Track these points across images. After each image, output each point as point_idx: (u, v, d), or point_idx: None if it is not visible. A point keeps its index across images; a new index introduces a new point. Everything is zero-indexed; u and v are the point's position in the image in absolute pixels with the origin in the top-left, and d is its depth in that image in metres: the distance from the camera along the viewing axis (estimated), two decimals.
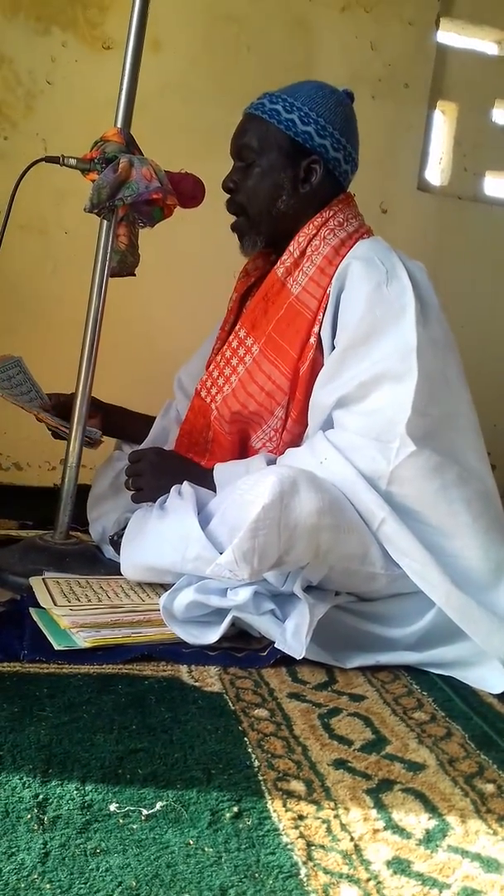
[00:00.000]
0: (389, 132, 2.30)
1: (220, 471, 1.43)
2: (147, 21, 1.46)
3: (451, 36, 2.41)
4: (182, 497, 1.38)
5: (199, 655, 1.21)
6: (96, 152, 1.44)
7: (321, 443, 1.33)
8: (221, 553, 1.21)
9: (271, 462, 1.40)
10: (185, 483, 1.41)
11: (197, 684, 1.12)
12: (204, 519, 1.32)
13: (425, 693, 1.18)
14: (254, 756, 0.94)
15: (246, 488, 1.26)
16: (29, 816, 0.78)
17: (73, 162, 1.44)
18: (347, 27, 2.29)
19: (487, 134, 2.47)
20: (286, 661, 1.21)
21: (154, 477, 1.46)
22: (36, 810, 0.79)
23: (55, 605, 1.29)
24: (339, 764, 0.95)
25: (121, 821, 0.79)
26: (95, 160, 1.43)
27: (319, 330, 1.43)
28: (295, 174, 1.47)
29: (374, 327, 1.35)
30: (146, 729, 0.98)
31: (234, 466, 1.44)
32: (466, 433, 1.37)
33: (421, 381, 1.30)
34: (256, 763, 0.93)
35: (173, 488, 1.42)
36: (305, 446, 1.38)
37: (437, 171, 2.47)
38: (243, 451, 1.53)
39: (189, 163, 1.52)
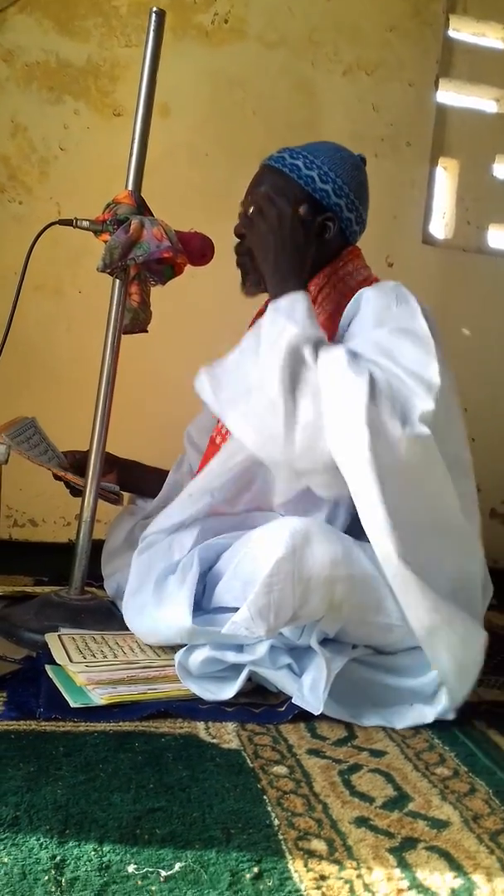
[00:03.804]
0: (393, 189, 2.35)
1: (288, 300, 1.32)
2: (155, 88, 1.52)
3: (450, 95, 2.48)
4: (184, 580, 1.32)
5: (215, 712, 1.19)
6: (108, 214, 1.48)
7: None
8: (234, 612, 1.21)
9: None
10: (197, 553, 1.35)
11: (214, 741, 1.11)
12: (215, 574, 1.32)
13: (447, 748, 1.16)
14: (273, 814, 0.93)
15: (257, 542, 1.26)
16: (46, 878, 0.76)
17: (86, 224, 1.49)
18: (349, 90, 2.36)
19: (489, 188, 2.52)
20: (304, 716, 1.20)
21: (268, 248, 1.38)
22: (53, 872, 0.77)
23: (71, 661, 1.28)
24: (361, 822, 0.93)
25: (139, 882, 0.77)
26: (108, 222, 1.47)
27: None
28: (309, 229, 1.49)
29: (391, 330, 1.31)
30: (164, 787, 0.96)
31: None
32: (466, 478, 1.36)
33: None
34: (276, 822, 0.91)
35: (177, 549, 1.40)
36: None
37: (441, 225, 2.52)
38: None
39: (198, 222, 1.56)
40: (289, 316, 1.27)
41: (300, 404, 1.20)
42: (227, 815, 0.91)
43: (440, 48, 2.42)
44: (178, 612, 1.27)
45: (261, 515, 1.40)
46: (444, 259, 2.47)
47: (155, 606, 1.34)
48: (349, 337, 1.35)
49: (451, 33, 2.46)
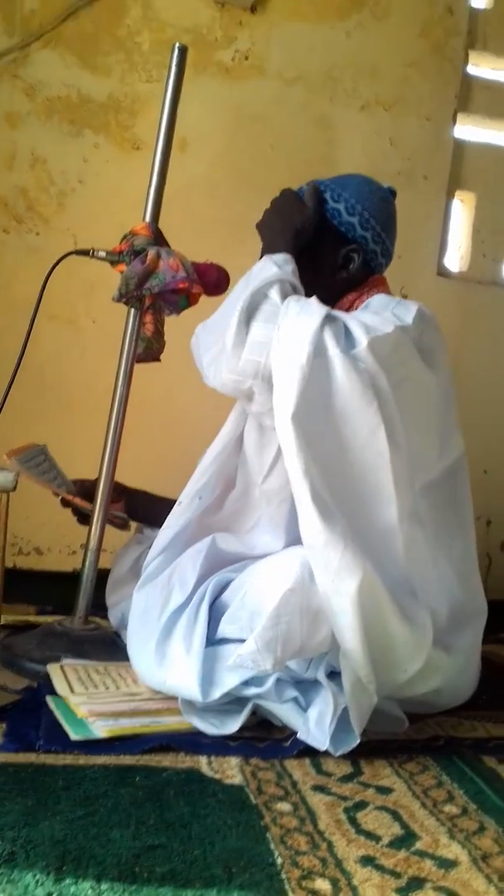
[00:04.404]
0: (409, 221, 2.33)
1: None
2: (175, 122, 1.54)
3: (467, 130, 2.50)
4: (190, 645, 1.28)
5: (219, 746, 1.17)
6: (125, 245, 1.50)
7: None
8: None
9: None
10: (204, 608, 1.32)
11: (217, 776, 1.09)
12: (221, 605, 1.31)
13: (455, 785, 1.13)
14: (276, 853, 0.91)
15: (265, 573, 1.25)
16: None
17: (102, 254, 1.50)
18: (367, 124, 2.38)
19: None
20: (310, 750, 1.18)
21: (271, 217, 1.46)
22: None
23: (72, 692, 1.27)
24: (367, 861, 0.91)
25: None
26: (124, 252, 1.49)
27: None
28: (334, 261, 1.50)
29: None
30: (164, 824, 0.95)
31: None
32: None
33: None
34: (279, 860, 0.89)
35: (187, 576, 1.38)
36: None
37: (456, 258, 2.52)
38: None
39: (214, 254, 1.57)
40: (277, 265, 1.33)
41: (252, 327, 1.26)
42: (229, 853, 0.90)
43: (459, 83, 2.44)
44: (188, 684, 1.23)
45: (263, 545, 1.39)
46: (459, 291, 2.47)
47: (158, 665, 1.28)
48: None
49: (470, 69, 2.48)
